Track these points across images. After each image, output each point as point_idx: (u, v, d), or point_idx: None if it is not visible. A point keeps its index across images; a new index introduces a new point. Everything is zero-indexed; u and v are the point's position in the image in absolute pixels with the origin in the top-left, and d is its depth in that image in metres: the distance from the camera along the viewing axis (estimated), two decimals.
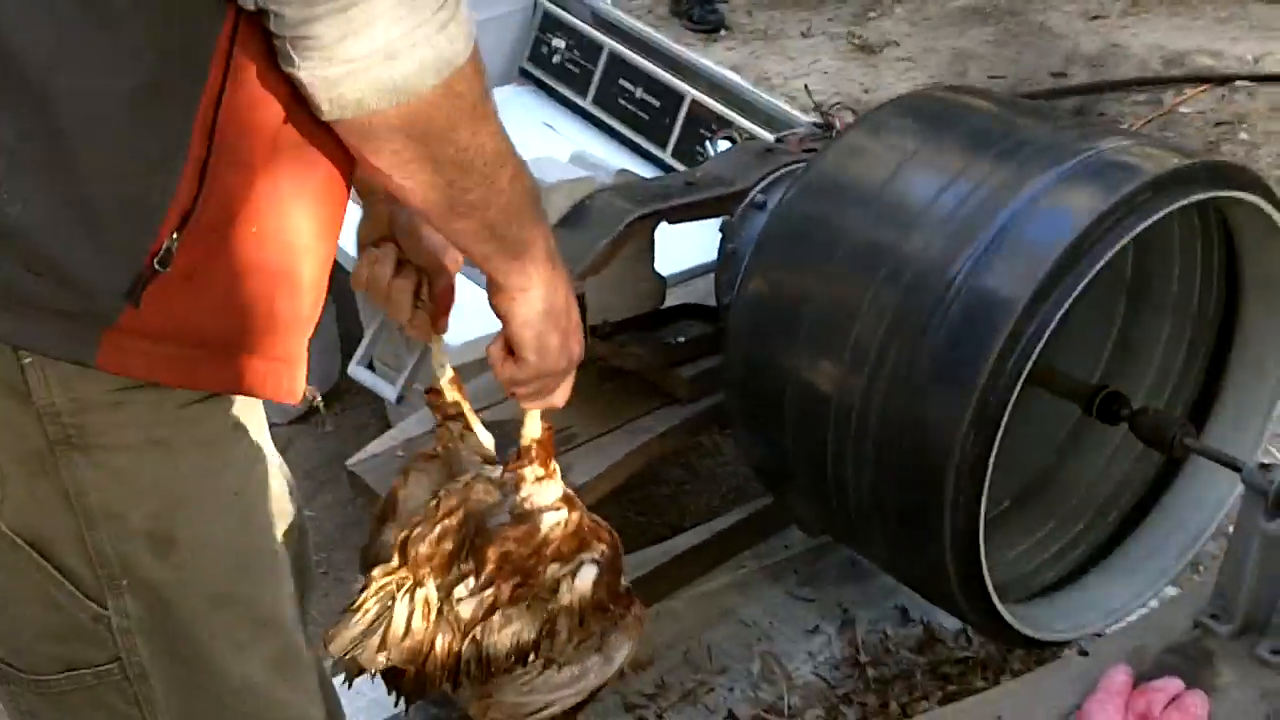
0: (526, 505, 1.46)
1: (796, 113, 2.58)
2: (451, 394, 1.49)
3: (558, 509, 1.48)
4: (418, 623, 1.43)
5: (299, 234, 1.12)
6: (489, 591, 1.45)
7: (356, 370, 2.69)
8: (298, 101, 1.05)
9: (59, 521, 1.11)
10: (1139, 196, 1.62)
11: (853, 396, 1.66)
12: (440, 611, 1.44)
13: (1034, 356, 1.56)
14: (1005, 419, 1.56)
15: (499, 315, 1.29)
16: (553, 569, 1.46)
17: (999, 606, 1.63)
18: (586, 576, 1.49)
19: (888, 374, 1.62)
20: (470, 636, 1.44)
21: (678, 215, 2.06)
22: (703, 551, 2.22)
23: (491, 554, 1.44)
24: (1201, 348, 1.99)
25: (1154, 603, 1.91)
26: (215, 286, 1.08)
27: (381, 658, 1.42)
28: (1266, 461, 1.57)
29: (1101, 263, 1.58)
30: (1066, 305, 1.57)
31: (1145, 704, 1.52)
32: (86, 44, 1.00)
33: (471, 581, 1.44)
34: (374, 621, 1.43)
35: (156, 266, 1.04)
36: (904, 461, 1.62)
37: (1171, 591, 1.91)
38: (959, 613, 1.69)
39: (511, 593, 1.46)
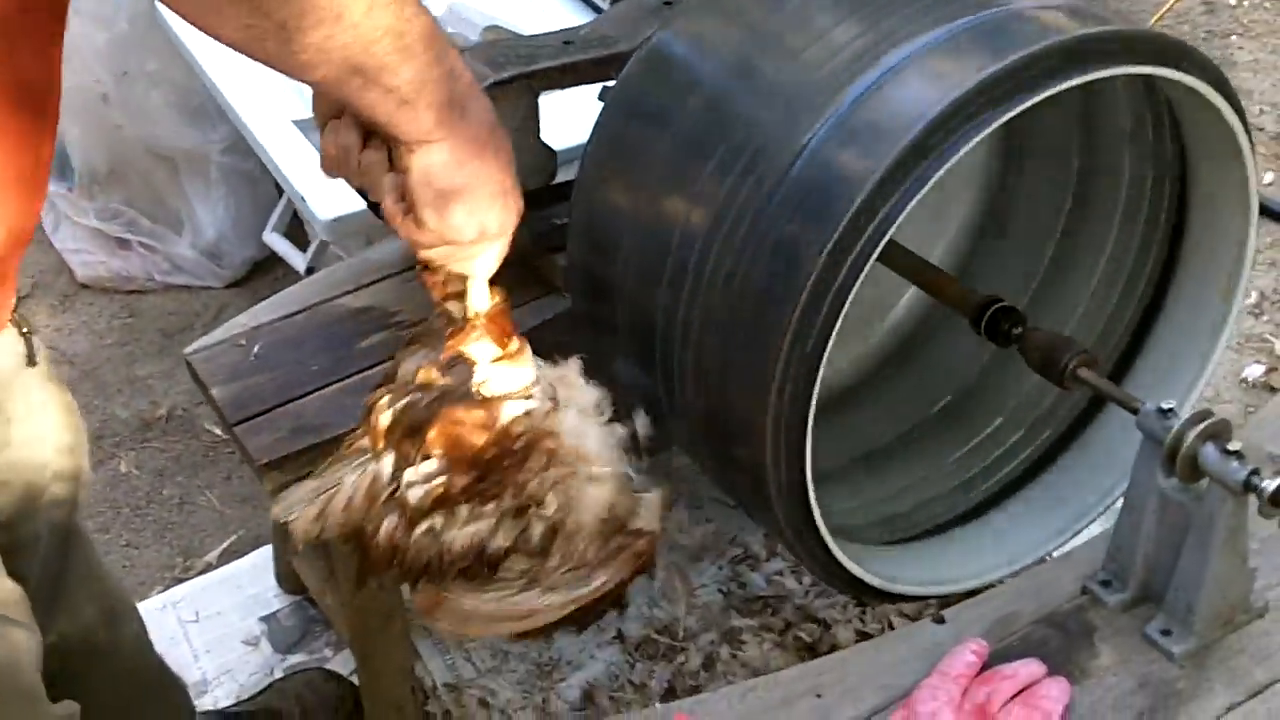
0: (484, 390, 1.25)
1: None
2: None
3: (526, 398, 1.26)
4: (359, 499, 1.26)
5: None
6: (440, 480, 1.24)
7: (270, 237, 2.61)
8: None
9: None
10: (1042, 64, 1.29)
11: (678, 304, 1.38)
12: (394, 493, 1.25)
13: (884, 240, 1.25)
14: (843, 313, 1.26)
15: (399, 168, 1.11)
16: (538, 473, 1.25)
17: (832, 546, 1.35)
18: (591, 494, 1.27)
19: (711, 275, 1.34)
20: (429, 528, 1.25)
21: (548, 80, 1.75)
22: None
23: (433, 436, 1.24)
24: (1143, 277, 1.68)
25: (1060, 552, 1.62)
26: None
27: (316, 527, 1.27)
28: (1167, 406, 1.25)
29: (981, 135, 1.26)
30: (932, 182, 1.25)
31: (986, 694, 1.26)
32: None
33: (427, 466, 1.24)
34: (320, 490, 1.28)
35: None
36: (727, 368, 1.35)
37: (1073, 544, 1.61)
38: (795, 553, 1.42)
39: (467, 487, 1.24)
